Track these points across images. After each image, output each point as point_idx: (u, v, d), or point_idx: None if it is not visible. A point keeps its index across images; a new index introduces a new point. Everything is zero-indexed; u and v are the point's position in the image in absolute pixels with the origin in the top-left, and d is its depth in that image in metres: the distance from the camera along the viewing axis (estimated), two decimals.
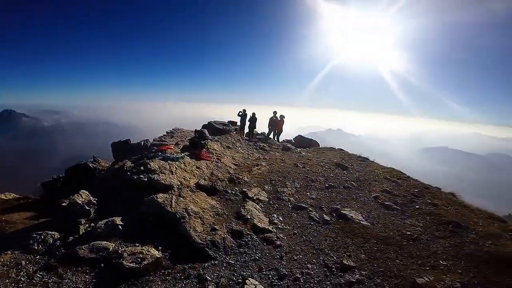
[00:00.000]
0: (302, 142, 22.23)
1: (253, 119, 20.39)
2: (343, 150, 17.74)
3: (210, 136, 16.17)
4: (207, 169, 11.88)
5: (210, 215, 8.12)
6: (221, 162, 13.09)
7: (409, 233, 7.52)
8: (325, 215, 8.59)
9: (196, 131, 16.37)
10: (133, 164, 11.36)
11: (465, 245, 7.00)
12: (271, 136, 21.48)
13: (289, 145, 19.64)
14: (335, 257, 6.38)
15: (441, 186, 11.58)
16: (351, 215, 8.44)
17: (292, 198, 9.83)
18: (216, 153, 13.96)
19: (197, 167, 11.66)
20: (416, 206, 9.34)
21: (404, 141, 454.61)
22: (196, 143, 14.04)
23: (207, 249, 6.68)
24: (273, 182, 11.26)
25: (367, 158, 15.60)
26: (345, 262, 6.18)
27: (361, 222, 8.10)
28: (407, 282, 5.57)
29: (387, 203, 9.47)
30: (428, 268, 6.08)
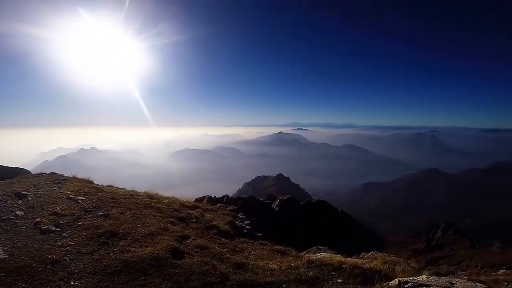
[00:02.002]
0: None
1: None
2: (56, 173, 14.29)
3: None
4: None
5: None
6: None
7: (51, 256, 6.26)
8: None
9: None
10: None
11: (109, 255, 6.13)
12: None
13: None
14: None
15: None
16: None
17: None
18: None
19: None
20: (79, 223, 7.81)
21: (157, 149, 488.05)
22: None
23: None
24: None
25: (66, 179, 12.56)
26: None
27: None
28: None
29: (45, 227, 7.68)
30: None
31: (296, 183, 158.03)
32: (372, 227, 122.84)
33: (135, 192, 12.03)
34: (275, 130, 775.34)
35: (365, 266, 6.10)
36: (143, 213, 8.71)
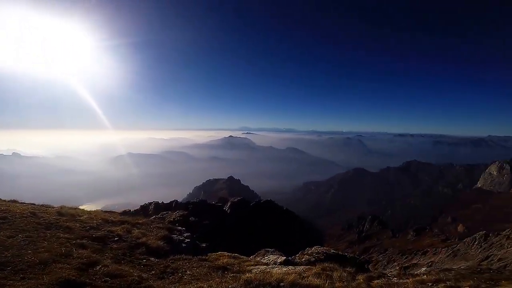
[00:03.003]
0: None
1: None
2: None
3: None
4: None
5: None
6: None
7: None
8: None
9: None
10: None
11: None
12: None
13: None
14: None
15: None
16: None
17: None
18: None
19: None
20: None
21: (95, 154, 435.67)
22: None
23: None
24: None
25: None
26: None
27: None
28: None
29: None
30: None
31: (246, 185, 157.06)
32: (314, 222, 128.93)
33: (45, 207, 9.40)
34: (226, 134, 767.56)
35: (303, 282, 5.67)
36: (42, 235, 6.34)
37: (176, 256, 6.82)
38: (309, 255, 16.17)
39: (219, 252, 10.21)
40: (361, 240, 70.47)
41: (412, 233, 59.14)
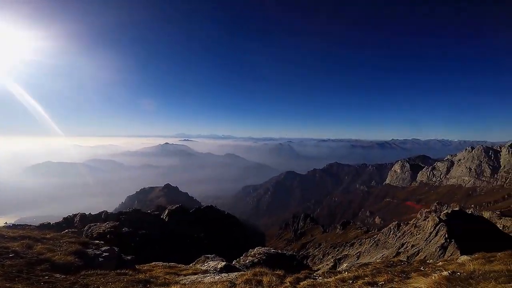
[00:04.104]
0: None
1: None
2: None
3: None
4: None
5: None
6: None
7: None
8: None
9: None
10: None
11: None
12: None
13: None
14: None
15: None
16: None
17: None
18: None
19: None
20: None
21: (6, 162, 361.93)
22: None
23: None
24: None
25: None
26: None
27: None
28: None
29: None
30: None
31: (185, 191, 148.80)
32: (254, 224, 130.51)
33: None
34: (162, 141, 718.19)
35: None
36: None
37: (89, 272, 6.01)
38: (252, 256, 15.66)
39: (153, 263, 9.40)
40: (298, 237, 74.07)
41: (339, 227, 64.96)
